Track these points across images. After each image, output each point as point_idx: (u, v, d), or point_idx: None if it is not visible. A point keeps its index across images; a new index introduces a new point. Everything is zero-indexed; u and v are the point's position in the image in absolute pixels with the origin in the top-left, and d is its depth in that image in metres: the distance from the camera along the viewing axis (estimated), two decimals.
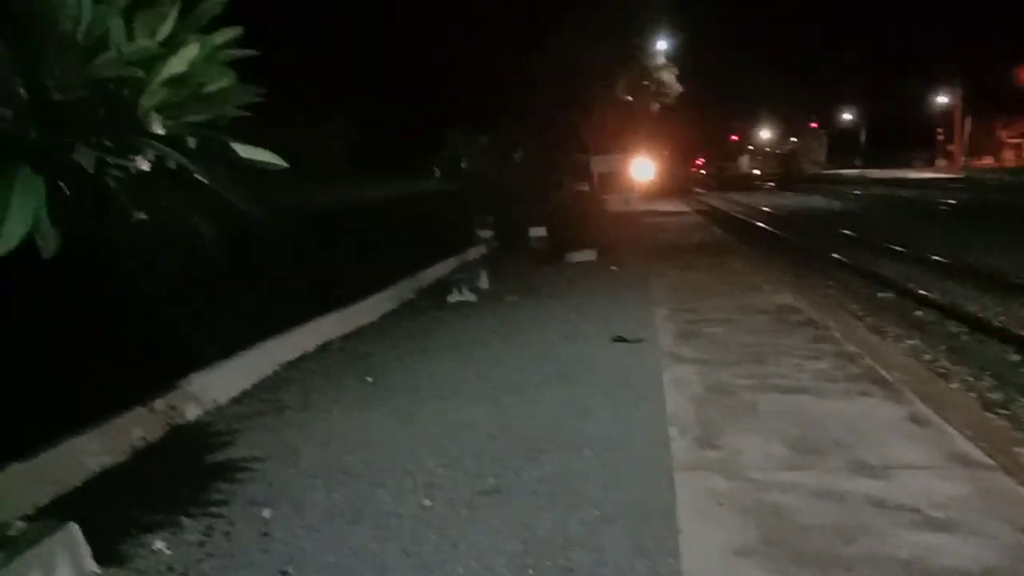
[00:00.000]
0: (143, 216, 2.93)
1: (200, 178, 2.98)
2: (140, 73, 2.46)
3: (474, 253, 15.38)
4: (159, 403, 5.19)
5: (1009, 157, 69.31)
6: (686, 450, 4.34)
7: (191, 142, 2.88)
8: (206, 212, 3.26)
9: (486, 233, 16.94)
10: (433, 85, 17.22)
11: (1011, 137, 71.02)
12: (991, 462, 3.92)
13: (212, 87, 2.85)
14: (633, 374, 6.00)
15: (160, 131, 2.56)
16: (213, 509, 3.84)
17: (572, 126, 23.32)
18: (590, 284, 11.14)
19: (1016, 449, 4.16)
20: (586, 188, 23.37)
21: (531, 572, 3.08)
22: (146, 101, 2.57)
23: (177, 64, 2.62)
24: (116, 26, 2.50)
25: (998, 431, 4.60)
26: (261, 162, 3.03)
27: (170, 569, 3.24)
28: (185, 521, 3.71)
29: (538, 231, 16.27)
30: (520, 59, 18.08)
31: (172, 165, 2.64)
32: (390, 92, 16.22)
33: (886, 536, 3.18)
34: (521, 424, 4.94)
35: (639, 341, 7.09)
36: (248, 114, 2.87)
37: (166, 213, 2.93)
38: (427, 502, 3.80)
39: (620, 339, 7.18)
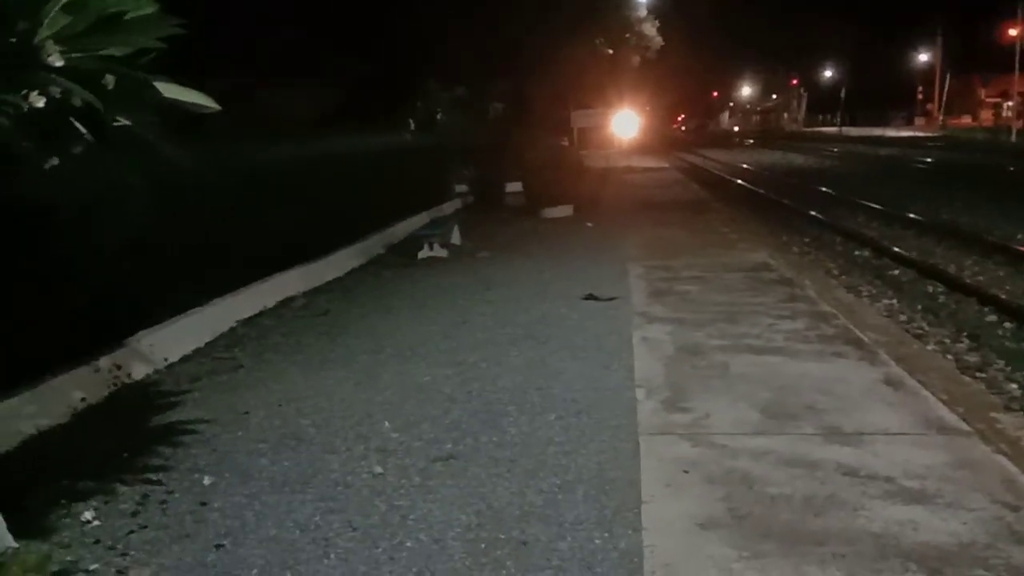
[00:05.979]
0: (55, 162, 2.64)
1: (123, 121, 2.69)
2: None
3: (448, 208, 15.05)
4: (104, 361, 4.92)
5: (987, 117, 69.35)
6: (653, 413, 4.17)
7: (109, 80, 2.57)
8: (130, 160, 2.96)
9: (462, 188, 16.57)
10: (409, 37, 16.68)
11: (990, 96, 70.99)
12: (968, 428, 3.77)
13: (128, 16, 2.54)
14: (603, 334, 5.81)
15: (58, 63, 2.25)
16: (151, 476, 3.61)
17: (552, 79, 22.76)
18: (564, 240, 10.90)
19: (993, 414, 4.02)
20: (566, 143, 22.95)
21: (483, 547, 2.89)
22: (44, 30, 2.27)
23: None
24: None
25: (975, 395, 4.46)
26: (187, 103, 2.74)
27: (96, 542, 3.01)
28: (120, 489, 3.47)
29: (515, 186, 15.95)
30: (497, 10, 17.54)
31: (77, 102, 2.34)
32: (367, 47, 15.68)
33: (859, 508, 3.02)
34: (484, 386, 4.73)
35: (611, 299, 6.89)
36: (164, 46, 2.55)
37: (79, 160, 2.64)
38: (379, 469, 3.59)
39: (591, 297, 6.97)
